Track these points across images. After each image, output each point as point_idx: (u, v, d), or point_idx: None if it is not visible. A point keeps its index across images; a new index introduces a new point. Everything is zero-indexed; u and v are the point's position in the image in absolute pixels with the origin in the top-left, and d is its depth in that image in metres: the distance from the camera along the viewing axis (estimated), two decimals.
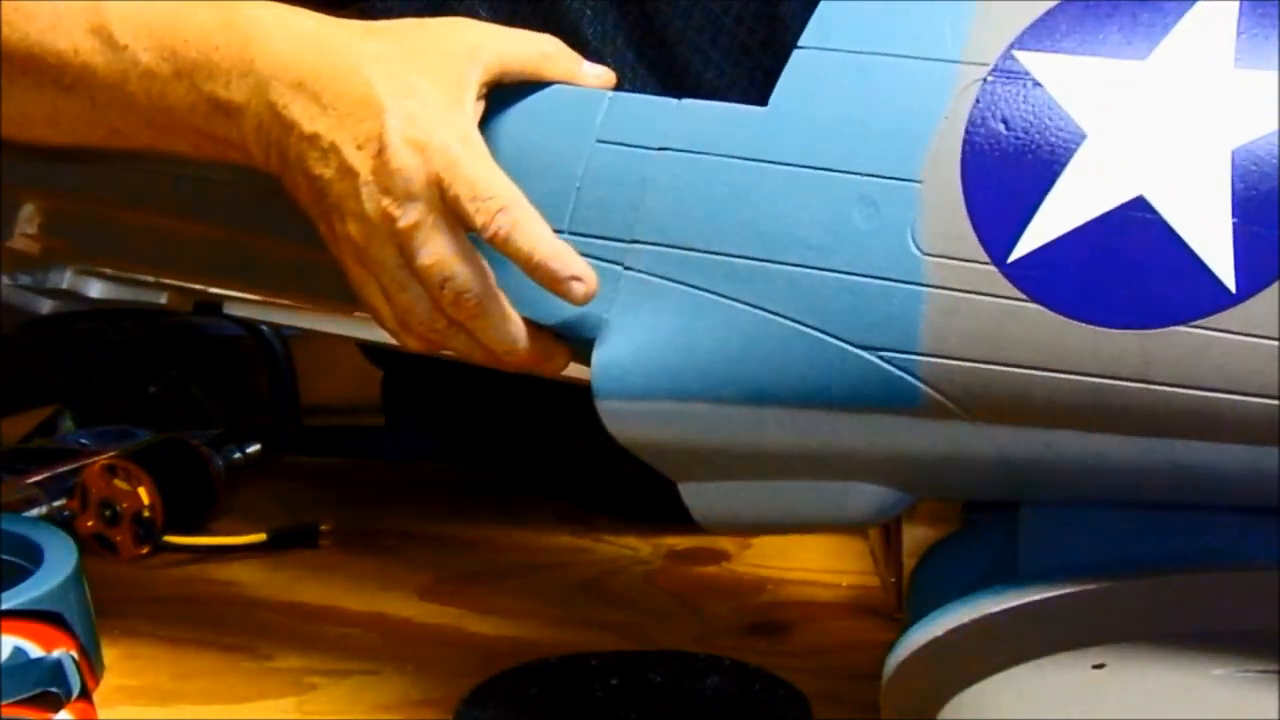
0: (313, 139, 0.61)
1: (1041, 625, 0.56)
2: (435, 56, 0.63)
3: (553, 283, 0.61)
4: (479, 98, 0.64)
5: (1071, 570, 0.56)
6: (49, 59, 0.65)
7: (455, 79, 0.63)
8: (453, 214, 0.61)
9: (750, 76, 0.75)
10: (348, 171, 0.61)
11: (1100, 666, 0.56)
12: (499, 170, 0.61)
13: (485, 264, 0.62)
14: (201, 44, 0.63)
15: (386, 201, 0.60)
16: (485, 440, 1.01)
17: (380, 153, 0.60)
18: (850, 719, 0.69)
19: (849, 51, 0.59)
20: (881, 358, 0.57)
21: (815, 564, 0.87)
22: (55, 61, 0.65)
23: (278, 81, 0.62)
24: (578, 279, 0.60)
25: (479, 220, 0.60)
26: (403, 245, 0.61)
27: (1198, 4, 0.55)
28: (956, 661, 0.57)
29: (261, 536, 0.91)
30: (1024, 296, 0.54)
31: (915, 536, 0.74)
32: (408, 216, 0.60)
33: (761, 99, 0.60)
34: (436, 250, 0.61)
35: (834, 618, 0.82)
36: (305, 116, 0.62)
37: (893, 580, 0.80)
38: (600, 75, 0.67)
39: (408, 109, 0.61)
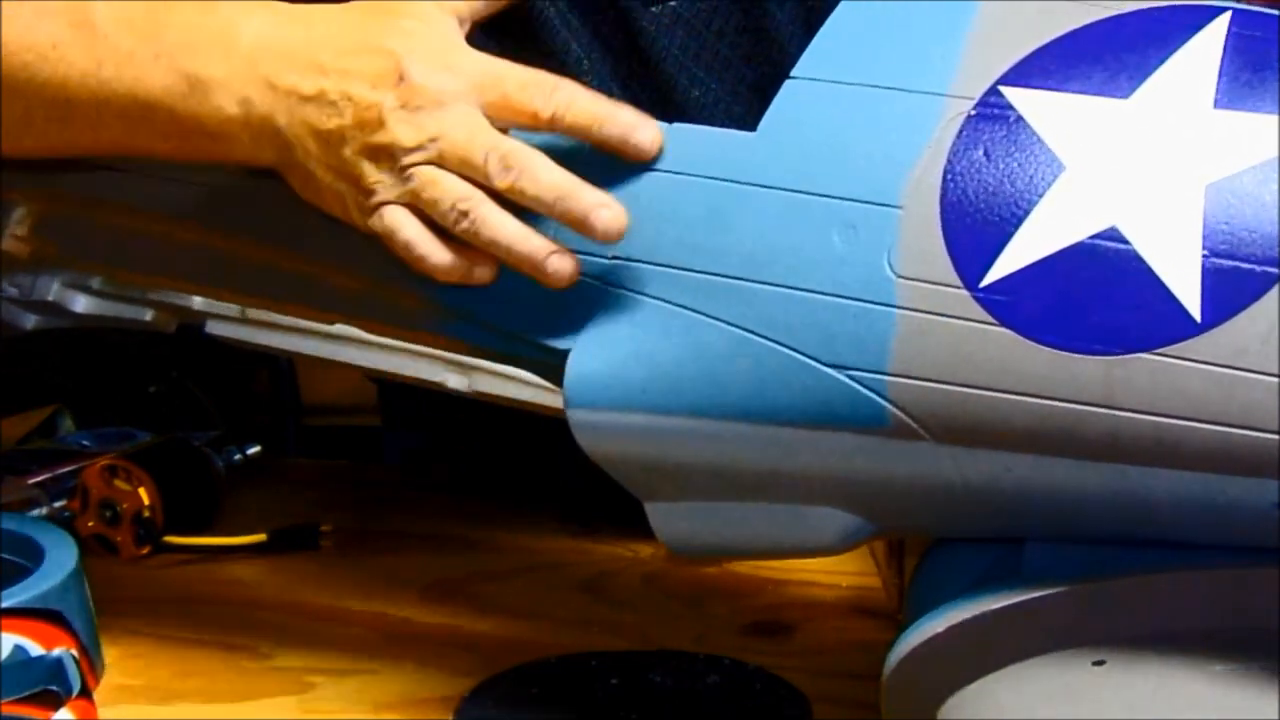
0: (316, 98, 0.62)
1: (1042, 624, 0.56)
2: (410, 11, 0.64)
3: (619, 145, 0.61)
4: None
5: (1075, 568, 0.56)
6: (26, 55, 0.65)
7: (442, 22, 0.64)
8: (491, 115, 0.62)
9: (735, 91, 0.75)
10: (368, 107, 0.61)
11: (1100, 665, 0.56)
12: None
13: None
14: (183, 26, 0.64)
15: (422, 116, 0.61)
16: (482, 449, 1.01)
17: (402, 79, 0.61)
18: (850, 719, 0.69)
19: (839, 82, 0.60)
20: (851, 377, 0.57)
21: (815, 564, 0.86)
22: (33, 58, 0.65)
23: (266, 53, 0.63)
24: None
25: (537, 102, 0.61)
26: (440, 148, 0.61)
27: (1182, 48, 0.56)
28: (956, 661, 0.57)
29: (261, 537, 0.91)
30: (993, 320, 0.55)
31: (916, 536, 0.74)
32: (442, 121, 0.61)
33: (747, 113, 0.61)
34: (471, 128, 0.61)
35: (834, 618, 0.82)
36: (303, 81, 0.62)
37: (894, 580, 0.80)
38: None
39: (416, 42, 0.62)
